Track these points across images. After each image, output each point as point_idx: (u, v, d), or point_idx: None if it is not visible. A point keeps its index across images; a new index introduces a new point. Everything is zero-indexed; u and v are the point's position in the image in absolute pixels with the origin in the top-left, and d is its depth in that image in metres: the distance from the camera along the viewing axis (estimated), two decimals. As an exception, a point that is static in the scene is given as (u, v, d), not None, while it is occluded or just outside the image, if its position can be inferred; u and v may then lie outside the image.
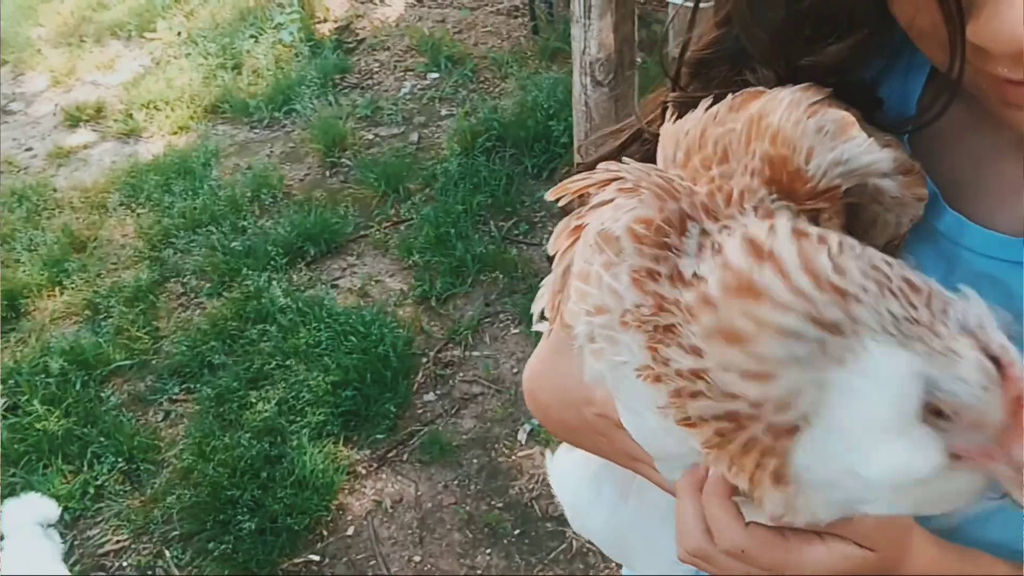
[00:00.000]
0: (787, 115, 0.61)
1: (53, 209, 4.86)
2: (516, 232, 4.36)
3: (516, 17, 6.06)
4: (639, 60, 3.29)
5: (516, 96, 5.24)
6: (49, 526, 2.61)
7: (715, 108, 0.69)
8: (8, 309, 4.17)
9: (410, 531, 3.13)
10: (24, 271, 4.35)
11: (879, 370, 0.47)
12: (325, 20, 6.31)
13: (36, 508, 2.60)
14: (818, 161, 0.58)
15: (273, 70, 5.83)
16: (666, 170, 0.64)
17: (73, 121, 5.70)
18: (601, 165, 0.66)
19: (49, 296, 4.23)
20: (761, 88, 0.68)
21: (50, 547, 2.59)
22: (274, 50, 6.02)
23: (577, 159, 3.43)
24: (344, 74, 5.74)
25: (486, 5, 6.27)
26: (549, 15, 5.80)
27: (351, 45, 6.08)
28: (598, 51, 3.16)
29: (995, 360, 0.46)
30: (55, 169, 5.30)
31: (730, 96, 0.69)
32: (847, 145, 0.59)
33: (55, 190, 5.04)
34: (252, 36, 6.18)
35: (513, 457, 3.34)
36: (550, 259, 0.69)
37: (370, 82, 5.70)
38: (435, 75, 5.67)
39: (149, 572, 3.08)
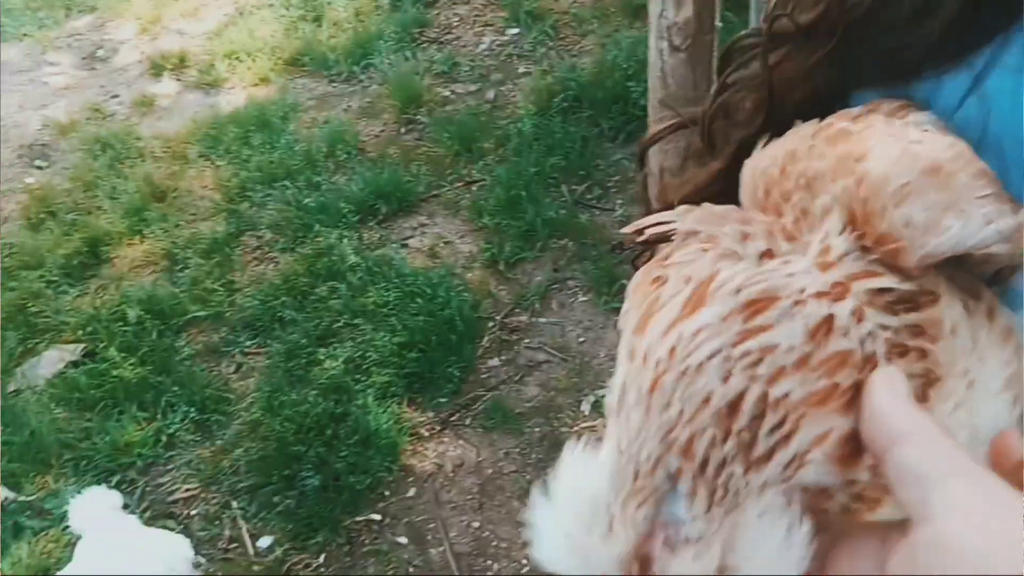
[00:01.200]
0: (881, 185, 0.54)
1: (136, 158, 4.96)
2: (589, 197, 4.29)
3: (600, -28, 5.91)
4: (718, 25, 3.16)
5: (595, 55, 5.13)
6: (118, 510, 2.68)
7: (794, 143, 0.63)
8: (89, 256, 4.30)
9: (470, 496, 3.15)
10: (106, 219, 4.47)
11: None
12: (406, -28, 6.26)
13: (104, 500, 2.66)
14: (910, 252, 0.52)
15: (353, 23, 5.82)
16: (747, 210, 0.59)
17: (157, 70, 5.78)
18: (680, 209, 0.61)
19: (129, 244, 4.34)
20: (845, 124, 0.63)
21: (128, 525, 2.66)
22: (355, 2, 5.99)
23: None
24: (423, 28, 5.69)
25: (569, -41, 6.12)
26: (634, -30, 5.64)
27: (431, -2, 6.02)
28: (676, 14, 3.04)
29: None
30: (139, 117, 5.40)
31: (811, 128, 0.64)
32: (938, 241, 0.52)
33: (138, 139, 5.14)
34: (334, -12, 6.17)
35: (576, 427, 3.32)
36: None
37: (449, 37, 5.64)
38: (514, 31, 5.58)
39: (216, 522, 3.17)
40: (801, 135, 0.63)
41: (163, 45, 6.02)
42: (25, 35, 6.35)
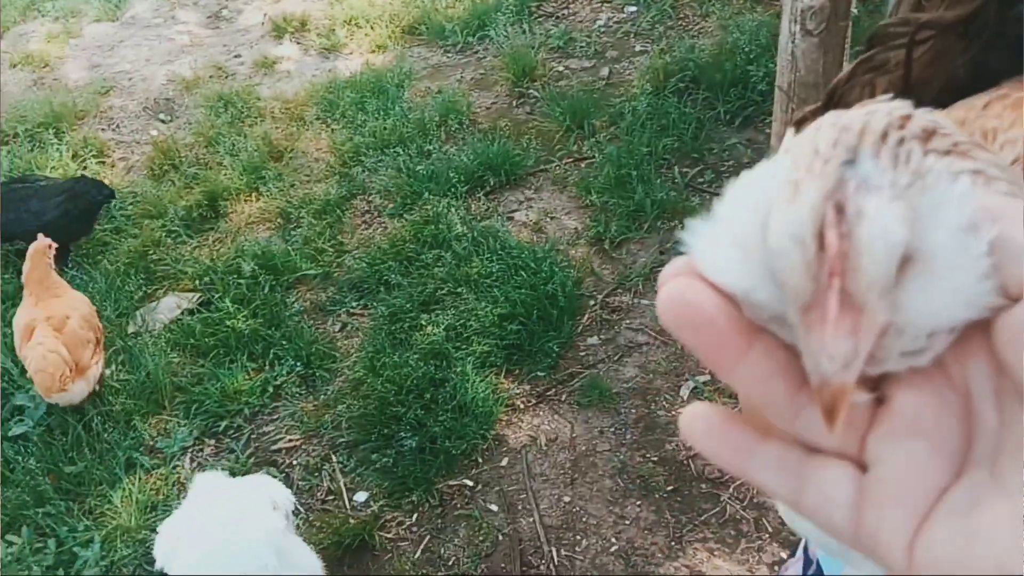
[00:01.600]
0: None
1: (256, 117, 5.11)
2: (700, 180, 4.24)
3: (724, -48, 5.79)
4: (854, 12, 3.07)
5: (716, 36, 5.04)
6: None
7: (962, 113, 0.62)
8: (208, 209, 4.45)
9: (562, 471, 3.17)
10: (226, 174, 4.62)
11: None
12: (527, -55, 6.24)
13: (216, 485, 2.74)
14: None
15: (471, -6, 5.85)
16: None
17: (279, 32, 5.93)
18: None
19: (246, 201, 4.48)
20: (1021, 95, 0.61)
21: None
22: (474, -27, 6.02)
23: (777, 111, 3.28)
24: (541, 2, 5.69)
25: (693, -63, 6.02)
26: (760, -48, 5.50)
27: (550, -28, 6.00)
28: (812, -2, 2.97)
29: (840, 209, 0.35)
30: (260, 78, 5.56)
31: (980, 100, 0.62)
32: None
33: (259, 99, 5.29)
34: (454, -43, 6.20)
35: (673, 412, 3.30)
36: None
37: (566, 12, 5.62)
38: (633, 8, 5.52)
39: (316, 473, 3.27)
40: (968, 106, 0.62)
41: (286, 8, 6.17)
42: (157, -7, 6.59)
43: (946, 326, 0.36)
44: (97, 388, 3.50)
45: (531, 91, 5.01)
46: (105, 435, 3.40)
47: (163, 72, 5.78)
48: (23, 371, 3.61)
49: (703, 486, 3.01)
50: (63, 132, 5.17)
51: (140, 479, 3.26)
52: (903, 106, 0.39)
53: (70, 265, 4.13)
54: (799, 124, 1.00)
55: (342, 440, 3.35)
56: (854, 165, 0.36)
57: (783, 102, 3.16)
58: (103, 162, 4.95)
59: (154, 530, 3.06)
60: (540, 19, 5.58)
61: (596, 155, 4.42)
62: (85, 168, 4.84)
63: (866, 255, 0.34)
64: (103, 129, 5.32)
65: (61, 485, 3.26)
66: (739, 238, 0.39)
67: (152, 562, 3.03)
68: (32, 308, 3.45)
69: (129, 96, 5.57)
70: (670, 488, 3.03)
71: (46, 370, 3.26)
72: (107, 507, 3.19)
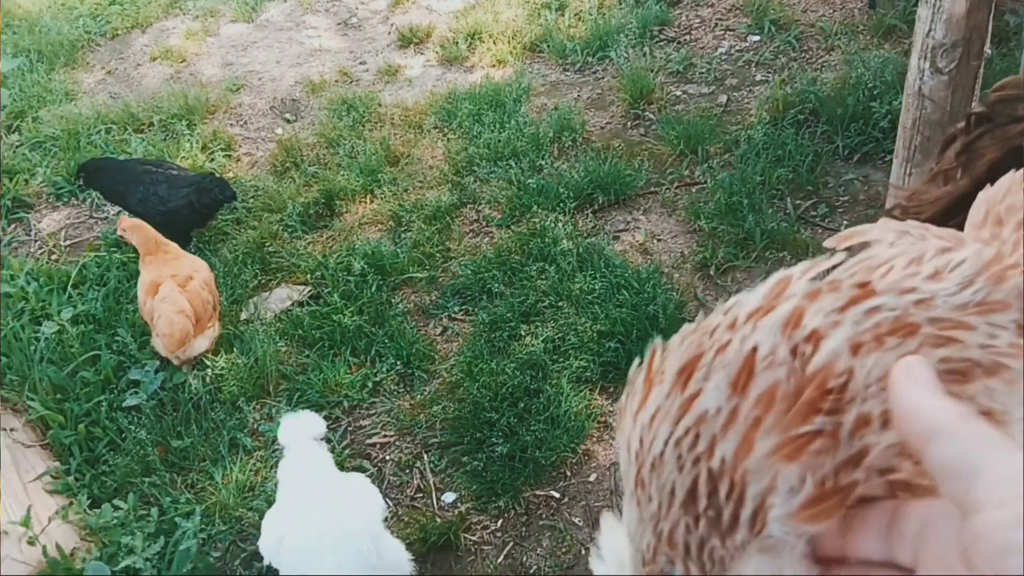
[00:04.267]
0: None
1: (376, 122, 5.27)
2: (813, 213, 4.17)
3: (854, -14, 5.70)
4: (987, 52, 2.99)
5: (839, 71, 4.96)
6: (320, 439, 2.88)
7: None
8: (325, 207, 4.61)
9: (650, 492, 3.15)
10: (343, 175, 4.78)
11: None
12: (653, -31, 6.27)
13: (310, 423, 2.86)
14: None
15: (595, 15, 5.90)
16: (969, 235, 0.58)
17: (405, 42, 6.11)
18: (906, 224, 0.61)
19: (361, 202, 4.62)
20: None
21: (325, 455, 2.86)
22: (598, -5, 6.09)
23: (891, 198, 3.19)
24: (663, 26, 5.70)
25: (823, -30, 5.94)
26: (892, -12, 5.40)
27: (675, -2, 6.01)
28: (944, 35, 2.90)
29: None
30: (383, 85, 5.73)
31: None
32: None
33: (380, 105, 5.45)
34: (580, -21, 6.28)
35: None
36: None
37: (688, 38, 5.62)
38: (756, 38, 5.48)
39: (407, 470, 3.34)
40: None
41: (413, 19, 6.35)
42: (292, -2, 6.87)
43: None
44: (210, 352, 3.71)
45: (647, 114, 5.03)
46: (212, 414, 3.55)
47: (292, 74, 6.01)
48: (141, 347, 3.81)
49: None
50: (194, 124, 5.43)
51: (241, 459, 3.40)
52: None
53: (191, 249, 4.35)
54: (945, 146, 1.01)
55: (435, 440, 3.42)
56: None
57: (906, 139, 3.09)
58: (229, 155, 5.18)
59: (251, 509, 3.21)
60: (661, 43, 5.59)
61: (708, 181, 4.40)
62: (212, 160, 5.07)
63: None
64: (231, 124, 5.56)
65: (168, 458, 3.42)
66: None
67: (246, 539, 3.18)
68: (157, 267, 3.72)
69: (258, 95, 5.81)
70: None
71: (173, 326, 3.51)
72: (208, 483, 3.33)
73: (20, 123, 5.57)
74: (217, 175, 4.61)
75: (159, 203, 4.22)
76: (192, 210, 4.28)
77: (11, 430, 3.66)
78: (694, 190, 4.43)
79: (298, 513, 2.64)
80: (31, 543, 3.01)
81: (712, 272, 3.95)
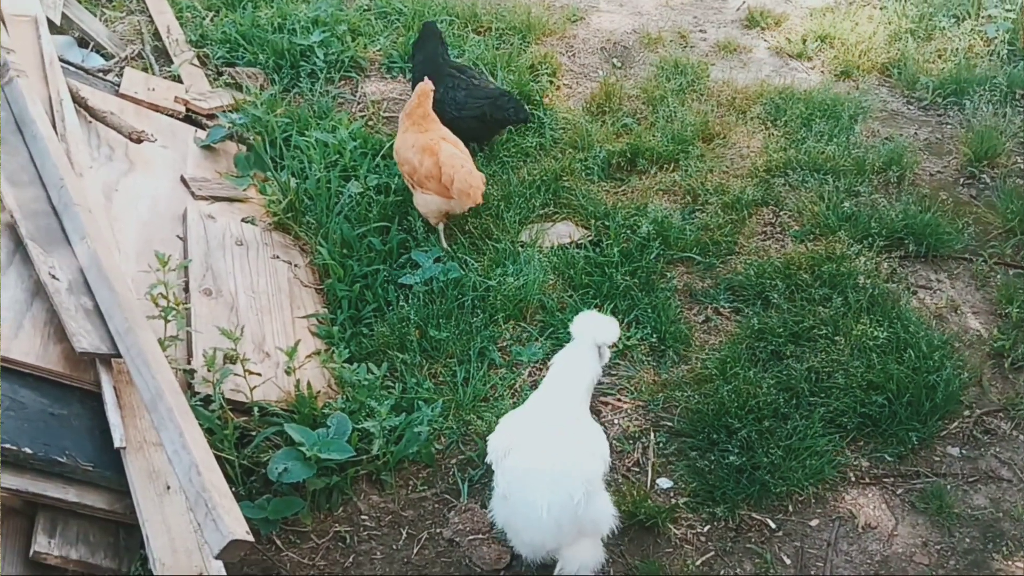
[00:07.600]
0: None
1: (700, 93, 5.18)
2: None
3: None
4: None
5: None
6: (607, 347, 2.93)
7: None
8: (628, 161, 4.61)
9: (868, 561, 2.98)
10: (654, 136, 4.74)
11: None
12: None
13: (602, 328, 2.90)
14: None
15: (959, 57, 5.48)
16: None
17: (752, 23, 5.94)
18: None
19: (664, 167, 4.58)
20: None
21: (588, 378, 2.89)
22: (971, 37, 5.63)
23: None
24: (1033, 90, 5.21)
25: None
26: None
27: (1056, 63, 5.47)
28: None
29: None
30: (717, 59, 5.61)
31: None
32: None
33: (709, 77, 5.35)
34: (955, 16, 5.85)
35: (1011, 563, 2.99)
36: None
37: (1057, 110, 5.11)
38: None
39: (631, 441, 3.33)
40: None
41: (767, 2, 6.15)
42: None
43: None
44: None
45: (984, 176, 4.64)
46: (473, 319, 3.68)
47: (630, 22, 6.01)
48: (426, 235, 4.00)
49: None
50: (528, 43, 5.55)
51: (485, 369, 3.51)
52: None
53: (484, 152, 4.50)
54: None
55: (667, 423, 3.38)
56: None
57: None
58: (551, 81, 5.26)
59: (481, 418, 3.31)
60: (1021, 109, 5.12)
61: (1032, 268, 4.02)
62: (537, 81, 5.17)
63: None
64: (561, 53, 5.65)
65: (422, 343, 3.58)
66: None
67: (468, 443, 3.29)
68: (423, 133, 3.98)
69: (595, 32, 5.85)
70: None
71: (471, 181, 3.84)
72: (451, 379, 3.47)
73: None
74: (514, 95, 4.59)
75: (454, 108, 4.34)
76: (481, 122, 4.39)
77: (295, 266, 3.97)
78: (1012, 273, 4.06)
79: (534, 436, 2.68)
80: (288, 372, 3.24)
81: (1006, 365, 3.63)
